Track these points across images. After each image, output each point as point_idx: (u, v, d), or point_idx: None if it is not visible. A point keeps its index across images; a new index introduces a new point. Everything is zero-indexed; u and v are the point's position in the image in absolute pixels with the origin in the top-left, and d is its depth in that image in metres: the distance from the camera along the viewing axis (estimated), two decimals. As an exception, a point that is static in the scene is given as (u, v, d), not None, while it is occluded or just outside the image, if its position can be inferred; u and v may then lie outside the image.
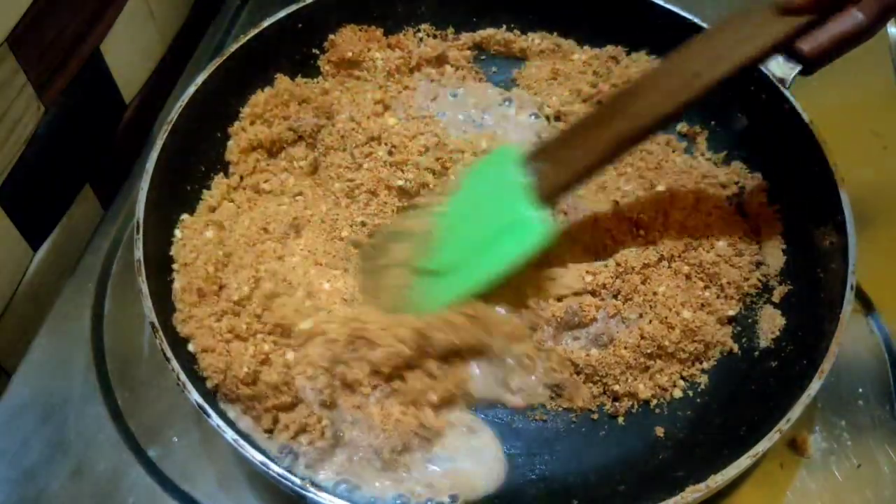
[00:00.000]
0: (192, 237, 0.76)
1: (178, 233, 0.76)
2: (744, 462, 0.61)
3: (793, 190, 0.81)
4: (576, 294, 0.75)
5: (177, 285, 0.72)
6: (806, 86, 0.79)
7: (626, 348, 0.72)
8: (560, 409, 0.73)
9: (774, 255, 0.79)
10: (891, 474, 0.72)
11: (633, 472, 0.69)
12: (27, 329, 0.82)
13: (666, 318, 0.73)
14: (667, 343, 0.72)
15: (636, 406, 0.72)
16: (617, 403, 0.72)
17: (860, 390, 0.76)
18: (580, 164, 0.69)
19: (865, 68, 0.97)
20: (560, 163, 0.70)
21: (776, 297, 0.77)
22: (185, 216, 0.78)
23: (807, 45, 0.77)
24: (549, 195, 0.70)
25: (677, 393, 0.73)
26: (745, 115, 0.86)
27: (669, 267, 0.77)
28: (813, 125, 0.78)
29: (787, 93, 0.79)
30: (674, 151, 0.87)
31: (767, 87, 0.81)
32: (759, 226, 0.81)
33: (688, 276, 0.76)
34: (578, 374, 0.73)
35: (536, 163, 0.71)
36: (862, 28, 0.75)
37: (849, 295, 0.68)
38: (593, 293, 0.75)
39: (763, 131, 0.84)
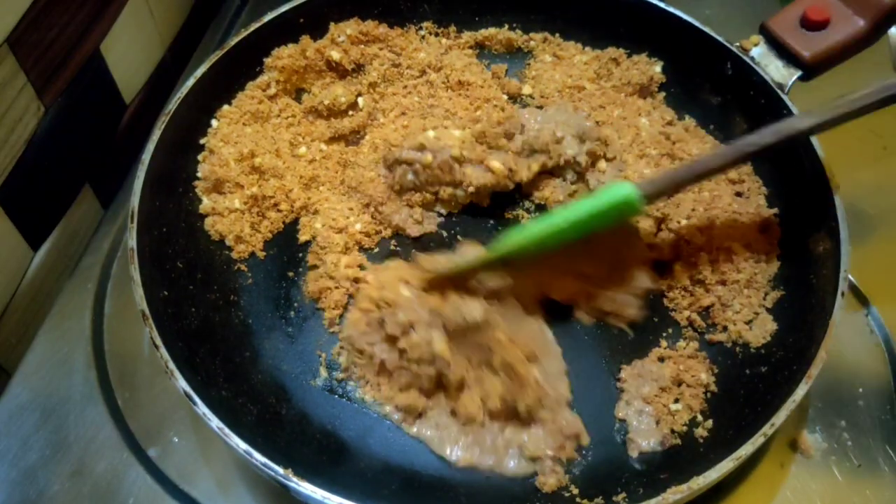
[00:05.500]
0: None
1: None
2: (726, 465, 0.61)
3: (789, 195, 0.80)
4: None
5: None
6: (806, 85, 0.79)
7: None
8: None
9: (770, 259, 0.78)
10: (891, 474, 0.72)
11: (618, 473, 0.68)
12: (27, 329, 0.82)
13: None
14: None
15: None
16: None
17: (860, 390, 0.76)
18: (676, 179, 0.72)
19: (865, 68, 0.97)
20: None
21: (769, 303, 0.76)
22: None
23: (808, 51, 0.77)
24: (649, 194, 0.70)
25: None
26: (743, 119, 0.85)
27: None
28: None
29: (785, 98, 0.79)
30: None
31: (766, 92, 0.81)
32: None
33: None
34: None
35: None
36: (862, 35, 0.75)
37: (839, 301, 0.68)
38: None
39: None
